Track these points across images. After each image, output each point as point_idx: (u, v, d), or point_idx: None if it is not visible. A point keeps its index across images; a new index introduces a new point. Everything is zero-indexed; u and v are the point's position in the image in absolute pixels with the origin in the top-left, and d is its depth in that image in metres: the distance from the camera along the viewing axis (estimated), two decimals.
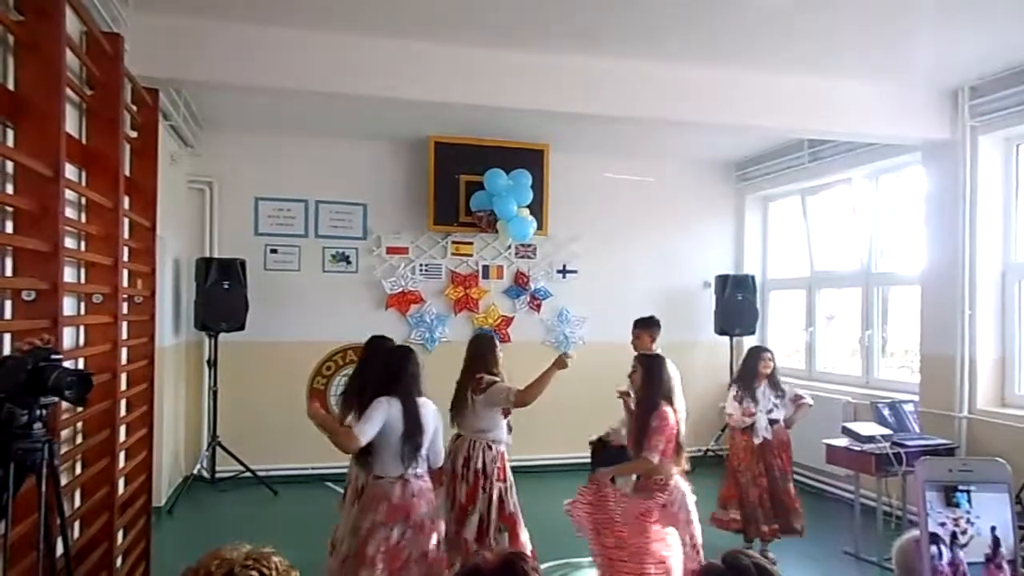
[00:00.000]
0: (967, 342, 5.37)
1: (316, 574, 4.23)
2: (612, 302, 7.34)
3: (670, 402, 3.78)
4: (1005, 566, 0.60)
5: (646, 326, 4.85)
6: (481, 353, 4.29)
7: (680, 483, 3.71)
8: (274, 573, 1.24)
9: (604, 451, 4.64)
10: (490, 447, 4.18)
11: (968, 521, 0.61)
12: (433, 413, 3.56)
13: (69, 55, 3.10)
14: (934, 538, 0.62)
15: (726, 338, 7.55)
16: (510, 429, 4.38)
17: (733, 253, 8.22)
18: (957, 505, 0.62)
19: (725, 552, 1.42)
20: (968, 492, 0.62)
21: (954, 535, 0.61)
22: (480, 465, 4.09)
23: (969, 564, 0.60)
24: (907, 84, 5.33)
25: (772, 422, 5.02)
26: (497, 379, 4.18)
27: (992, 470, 0.62)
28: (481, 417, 4.17)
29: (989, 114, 5.23)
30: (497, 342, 4.42)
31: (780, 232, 8.13)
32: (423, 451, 3.45)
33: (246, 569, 1.21)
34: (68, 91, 3.14)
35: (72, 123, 3.39)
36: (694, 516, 3.72)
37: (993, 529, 0.60)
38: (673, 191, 7.93)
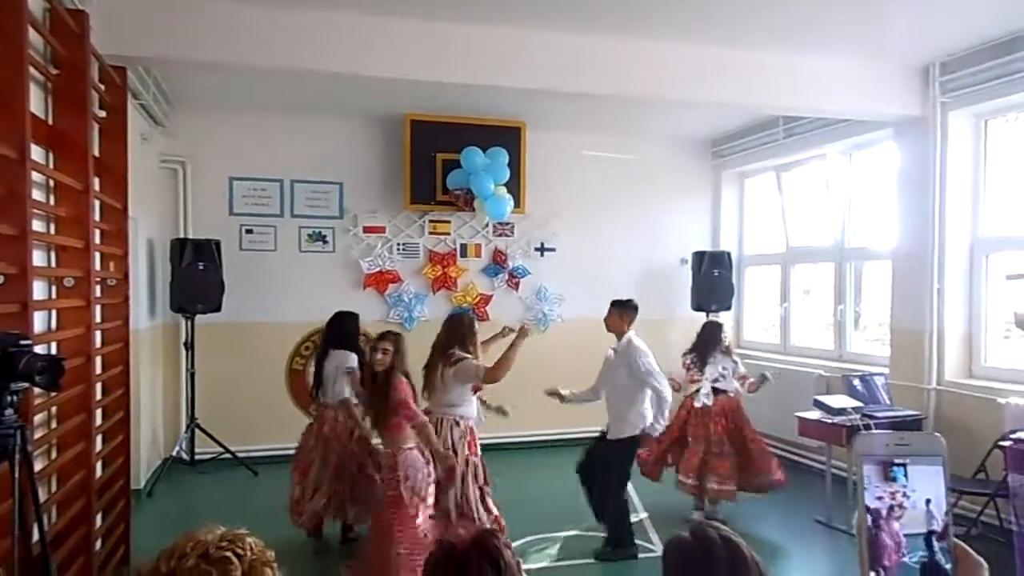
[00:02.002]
0: (936, 316, 5.48)
1: (296, 552, 4.30)
2: (590, 279, 7.37)
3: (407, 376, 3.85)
4: (938, 536, 0.63)
5: (617, 307, 4.87)
6: (460, 332, 4.30)
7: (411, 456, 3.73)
8: (249, 553, 1.25)
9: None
10: (458, 423, 4.21)
11: (904, 495, 0.64)
12: None
13: (32, 33, 3.04)
14: (873, 512, 0.64)
15: (703, 315, 7.62)
16: (486, 405, 4.41)
17: (710, 230, 8.28)
18: (894, 479, 0.64)
19: (692, 524, 1.46)
20: (904, 466, 0.65)
21: (891, 508, 0.64)
22: (449, 443, 4.10)
23: (906, 535, 0.63)
24: (880, 61, 5.38)
25: (716, 391, 5.23)
26: (469, 356, 4.19)
27: (927, 444, 0.64)
28: (451, 391, 4.19)
29: (959, 90, 5.30)
30: (476, 323, 4.42)
31: (756, 208, 8.20)
32: None
33: (220, 550, 1.22)
34: (32, 71, 3.09)
35: (37, 104, 3.33)
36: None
37: (928, 502, 0.63)
38: (650, 168, 7.95)
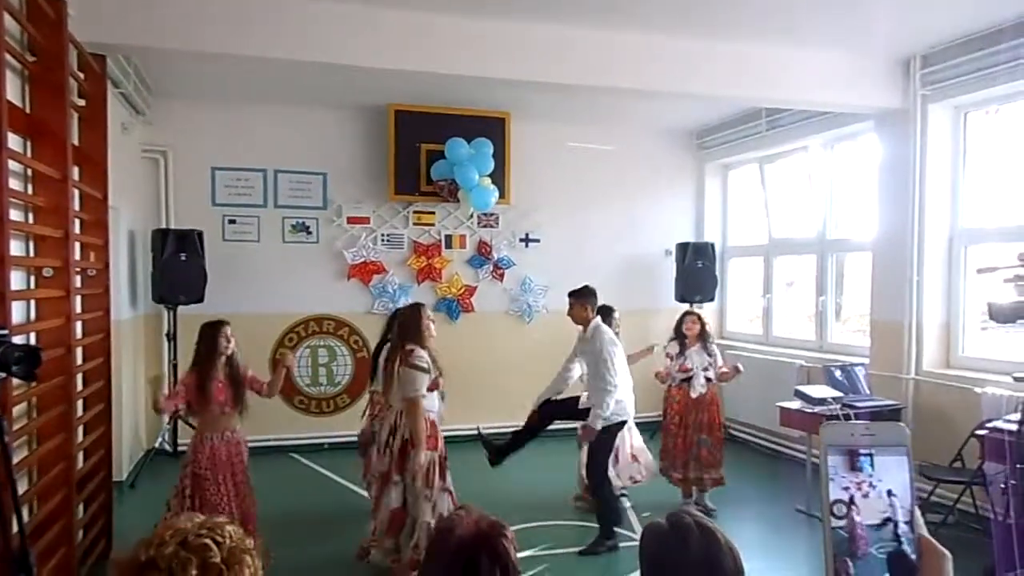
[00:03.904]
0: (915, 307, 5.55)
1: (278, 540, 4.27)
2: (575, 270, 7.34)
3: None
4: (902, 526, 0.64)
5: (577, 296, 4.88)
6: (415, 325, 4.13)
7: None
8: (228, 541, 1.25)
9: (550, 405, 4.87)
10: None
11: (870, 485, 0.65)
12: None
13: (8, 20, 3.00)
14: (841, 503, 0.65)
15: (686, 306, 7.66)
16: (443, 397, 4.37)
17: (694, 221, 8.32)
18: (860, 469, 0.65)
19: (669, 511, 1.48)
20: (871, 456, 0.65)
21: (851, 499, 0.65)
22: (408, 435, 4.02)
23: (868, 526, 0.64)
24: (861, 53, 5.41)
25: (707, 380, 5.32)
26: (424, 359, 4.04)
27: (892, 434, 0.65)
28: (407, 385, 4.05)
29: (940, 83, 5.34)
30: (426, 312, 4.25)
31: (739, 200, 8.25)
32: None
33: (200, 537, 1.22)
34: (8, 58, 3.04)
35: (14, 91, 3.28)
36: None
37: (890, 492, 0.64)
38: (635, 160, 7.97)
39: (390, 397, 4.19)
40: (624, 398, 4.71)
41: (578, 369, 5.06)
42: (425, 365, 4.02)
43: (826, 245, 6.86)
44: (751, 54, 5.23)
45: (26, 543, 2.45)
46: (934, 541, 0.64)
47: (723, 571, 1.52)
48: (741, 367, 5.45)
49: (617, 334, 5.15)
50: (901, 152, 5.61)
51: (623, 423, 4.80)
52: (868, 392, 5.49)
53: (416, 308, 4.25)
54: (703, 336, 5.38)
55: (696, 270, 7.51)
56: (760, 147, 7.34)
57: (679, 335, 5.43)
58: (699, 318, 5.49)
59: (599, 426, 4.58)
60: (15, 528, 2.37)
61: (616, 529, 4.68)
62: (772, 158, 7.49)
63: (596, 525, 4.69)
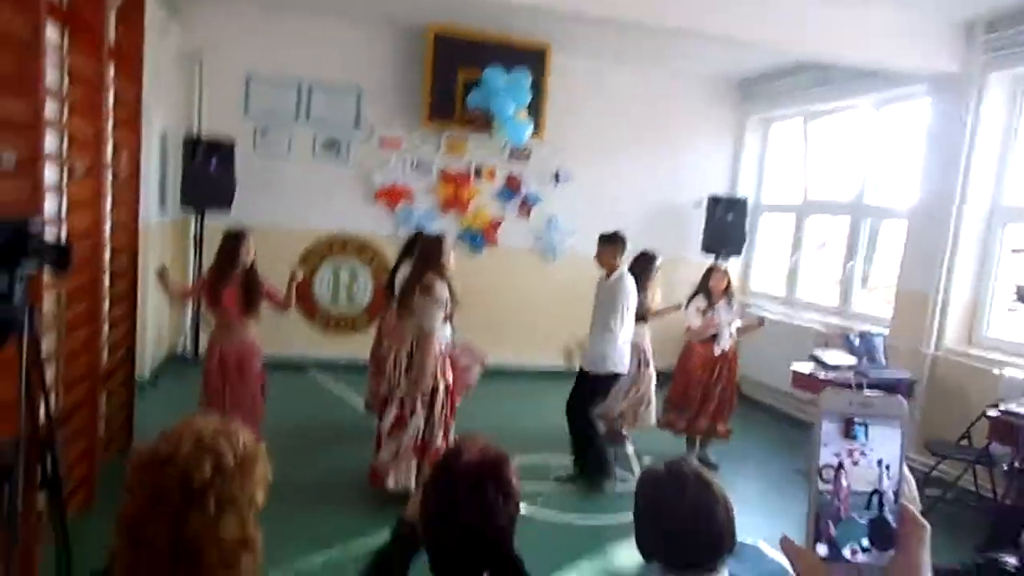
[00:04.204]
0: (944, 280, 5.45)
1: (288, 449, 4.41)
2: (603, 213, 7.30)
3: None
4: (889, 496, 0.65)
5: (608, 242, 4.84)
6: (435, 255, 4.15)
7: None
8: (241, 445, 1.30)
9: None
10: None
11: (862, 453, 0.66)
12: None
13: None
14: (830, 468, 0.67)
15: (712, 258, 7.58)
16: (452, 330, 4.41)
17: (729, 173, 8.16)
18: (854, 437, 0.66)
19: (668, 460, 1.51)
20: (866, 426, 0.66)
21: (840, 464, 0.66)
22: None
23: (854, 492, 0.65)
24: (922, 13, 5.16)
25: (729, 335, 5.31)
26: (443, 292, 4.07)
27: (889, 406, 0.66)
28: (423, 316, 4.09)
29: (1002, 50, 5.10)
30: (447, 240, 4.26)
31: (778, 155, 8.05)
32: None
33: (215, 439, 1.27)
34: None
35: None
36: None
37: (880, 462, 0.65)
38: (675, 106, 7.77)
39: (405, 325, 4.23)
40: (624, 352, 4.73)
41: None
42: (442, 299, 4.04)
43: (861, 209, 6.71)
44: (810, 5, 5.01)
45: (53, 427, 2.56)
46: (915, 511, 0.66)
47: (715, 520, 1.56)
48: (766, 322, 5.46)
49: (646, 283, 5.22)
50: (953, 119, 5.41)
51: (618, 376, 4.81)
52: (884, 362, 5.45)
53: (439, 239, 4.26)
54: (728, 291, 5.33)
55: (725, 224, 7.40)
56: (806, 102, 7.11)
57: (705, 290, 5.36)
58: (726, 272, 5.42)
59: (576, 365, 4.70)
60: (43, 413, 2.47)
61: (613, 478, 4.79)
62: (818, 114, 7.26)
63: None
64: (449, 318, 4.18)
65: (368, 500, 4.15)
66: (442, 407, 4.14)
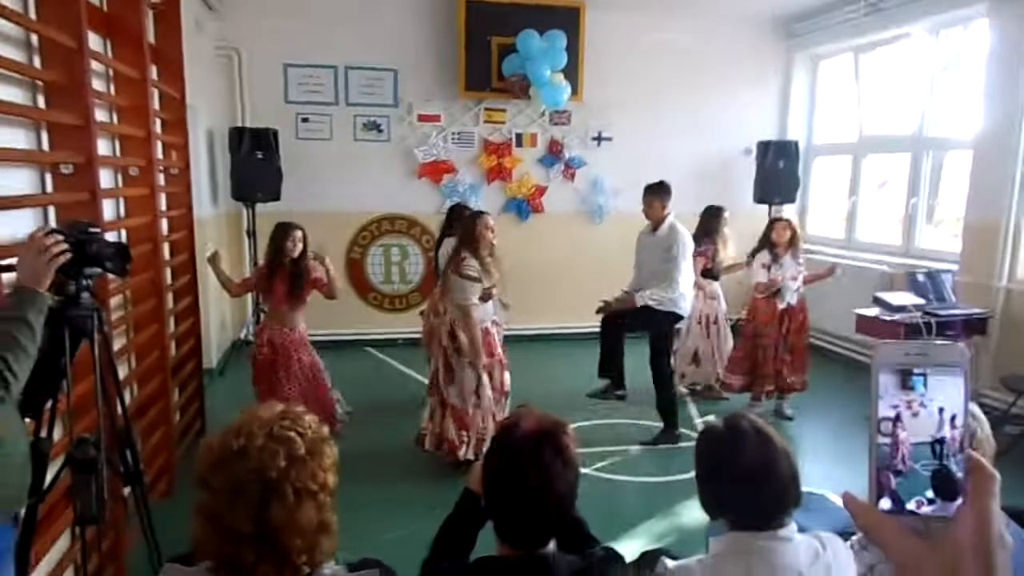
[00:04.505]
0: (1015, 210, 5.18)
1: (349, 427, 4.51)
2: (648, 170, 7.11)
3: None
4: (950, 442, 0.62)
5: (656, 193, 4.75)
6: (468, 233, 4.14)
7: None
8: (309, 432, 1.34)
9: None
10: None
11: (921, 404, 0.63)
12: None
13: None
14: (888, 420, 0.64)
15: (764, 208, 7.39)
16: (505, 306, 4.40)
17: (777, 117, 7.88)
18: (912, 388, 0.63)
19: (727, 414, 1.48)
20: (924, 376, 0.63)
21: (898, 415, 0.63)
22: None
23: (915, 444, 0.62)
24: None
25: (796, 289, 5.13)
26: (475, 268, 4.06)
27: (948, 353, 0.62)
28: (457, 293, 4.12)
29: None
30: (486, 221, 4.18)
31: (829, 94, 7.73)
32: None
33: (284, 429, 1.31)
34: None
35: None
36: None
37: (941, 411, 0.62)
38: (717, 52, 7.51)
39: (444, 301, 4.28)
40: (686, 295, 4.66)
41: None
42: (475, 274, 4.05)
43: (923, 143, 6.41)
44: None
45: (129, 422, 2.68)
46: (983, 460, 0.63)
47: (778, 474, 1.53)
48: (838, 270, 5.25)
49: (715, 238, 5.26)
50: (1015, 40, 5.08)
51: (680, 317, 4.77)
52: (954, 300, 5.24)
53: (473, 218, 4.24)
54: (794, 243, 5.11)
55: (777, 170, 7.19)
56: (857, 34, 6.78)
57: (768, 243, 5.16)
58: (789, 224, 5.20)
59: (640, 302, 4.52)
60: (119, 409, 2.59)
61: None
62: (869, 47, 6.93)
63: (650, 423, 4.80)
64: (488, 296, 4.20)
65: (444, 469, 4.25)
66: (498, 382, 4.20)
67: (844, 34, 6.91)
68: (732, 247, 5.56)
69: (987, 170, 5.38)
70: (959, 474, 0.63)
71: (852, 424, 5.18)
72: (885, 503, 0.65)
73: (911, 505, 0.64)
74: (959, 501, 0.63)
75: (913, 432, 0.64)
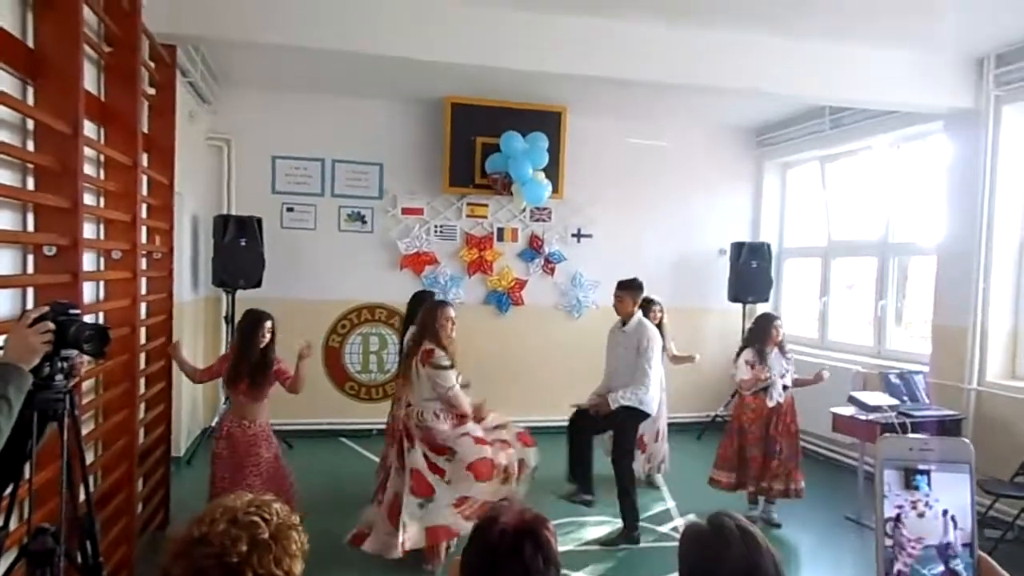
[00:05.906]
0: (980, 314, 5.34)
1: (326, 521, 4.38)
2: (626, 267, 7.26)
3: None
4: (959, 549, 0.60)
5: (628, 289, 4.88)
6: (431, 324, 4.17)
7: None
8: (275, 518, 1.30)
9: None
10: (437, 415, 4.14)
11: (927, 504, 0.62)
12: None
13: (87, 11, 3.13)
14: (891, 521, 0.63)
15: (739, 306, 7.54)
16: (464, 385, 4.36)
17: (750, 220, 8.17)
18: (916, 488, 0.62)
19: (711, 513, 1.47)
20: (928, 473, 0.62)
21: (898, 516, 0.63)
22: (440, 436, 4.11)
23: (922, 547, 0.61)
24: (932, 51, 5.22)
25: (783, 387, 5.03)
26: (445, 356, 4.10)
27: (954, 450, 0.61)
28: (427, 387, 4.11)
29: (1015, 83, 5.12)
30: (447, 311, 4.22)
31: (798, 199, 8.05)
32: None
33: (248, 515, 1.28)
34: (86, 48, 3.17)
35: (90, 80, 3.43)
36: None
37: (945, 513, 0.61)
38: (691, 156, 7.85)
39: (408, 392, 4.22)
40: (654, 395, 4.75)
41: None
42: (447, 362, 4.09)
43: (888, 248, 6.65)
44: (818, 52, 5.09)
45: (92, 511, 2.57)
46: (995, 564, 0.61)
47: None
48: (826, 374, 5.08)
49: (660, 326, 5.19)
50: (971, 153, 5.40)
51: (647, 416, 4.80)
52: (927, 401, 5.31)
53: (434, 308, 4.26)
54: (780, 342, 5.06)
55: (750, 270, 7.38)
56: (822, 146, 7.15)
57: (757, 340, 5.07)
58: (781, 322, 5.14)
59: (614, 405, 4.61)
60: (82, 496, 2.49)
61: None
62: (835, 157, 7.29)
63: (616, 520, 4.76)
64: (466, 384, 4.26)
65: (416, 562, 4.11)
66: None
67: (810, 145, 7.28)
68: (670, 340, 5.75)
69: (951, 276, 5.58)
70: None
71: (832, 525, 5.11)
72: None
73: None
74: None
75: (918, 534, 0.63)
